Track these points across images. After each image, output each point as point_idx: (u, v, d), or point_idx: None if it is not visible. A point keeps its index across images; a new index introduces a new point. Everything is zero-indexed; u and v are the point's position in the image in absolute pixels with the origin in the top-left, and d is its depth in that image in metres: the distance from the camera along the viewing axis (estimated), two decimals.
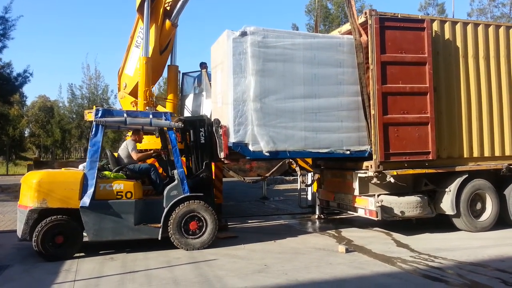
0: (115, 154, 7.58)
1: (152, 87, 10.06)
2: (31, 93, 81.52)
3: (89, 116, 11.00)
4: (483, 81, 8.19)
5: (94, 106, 11.68)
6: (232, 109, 6.96)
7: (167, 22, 10.22)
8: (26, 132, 44.51)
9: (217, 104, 7.94)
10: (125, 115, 6.84)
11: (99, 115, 6.68)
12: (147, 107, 9.73)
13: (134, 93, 10.28)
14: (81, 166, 8.63)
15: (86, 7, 79.75)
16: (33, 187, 6.30)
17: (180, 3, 10.14)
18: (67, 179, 6.57)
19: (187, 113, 11.19)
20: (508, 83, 8.36)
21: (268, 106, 7.05)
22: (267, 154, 7.04)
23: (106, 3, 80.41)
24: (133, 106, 10.15)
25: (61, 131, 36.73)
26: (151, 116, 7.01)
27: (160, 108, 10.51)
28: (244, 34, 7.02)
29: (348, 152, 7.44)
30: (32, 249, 6.33)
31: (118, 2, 79.18)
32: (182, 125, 7.22)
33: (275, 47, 7.14)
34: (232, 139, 6.97)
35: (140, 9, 9.97)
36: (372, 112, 7.39)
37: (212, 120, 7.37)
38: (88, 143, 6.76)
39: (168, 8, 10.20)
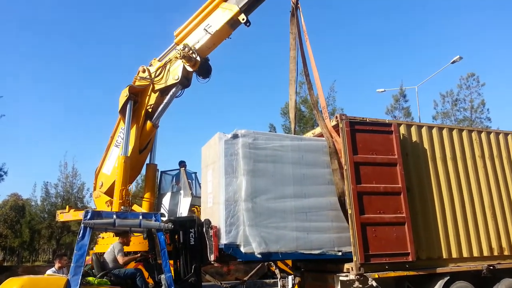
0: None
1: (129, 186, 9.86)
2: (4, 190, 76.50)
3: (61, 216, 10.55)
4: (453, 181, 8.46)
5: (67, 206, 11.25)
6: (224, 209, 6.91)
7: (148, 123, 10.43)
8: None
9: (207, 204, 7.87)
10: (114, 216, 6.61)
11: (88, 217, 6.39)
12: (122, 207, 9.44)
13: (110, 192, 10.04)
14: (49, 271, 7.98)
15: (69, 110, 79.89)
16: None
17: (161, 106, 10.47)
18: (48, 287, 6.02)
19: (163, 212, 10.92)
20: (476, 182, 8.69)
21: (259, 206, 7.06)
22: (259, 256, 6.88)
23: (89, 107, 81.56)
24: (108, 206, 9.85)
25: (30, 232, 33.51)
26: (140, 217, 6.79)
27: (136, 207, 10.22)
28: (235, 136, 7.27)
29: (340, 253, 7.35)
30: None
31: (99, 103, 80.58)
32: (172, 226, 7.02)
33: (265, 149, 7.38)
34: (224, 240, 6.81)
35: (122, 110, 10.17)
36: (349, 211, 7.38)
37: (203, 220, 7.23)
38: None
39: (149, 110, 10.48)
